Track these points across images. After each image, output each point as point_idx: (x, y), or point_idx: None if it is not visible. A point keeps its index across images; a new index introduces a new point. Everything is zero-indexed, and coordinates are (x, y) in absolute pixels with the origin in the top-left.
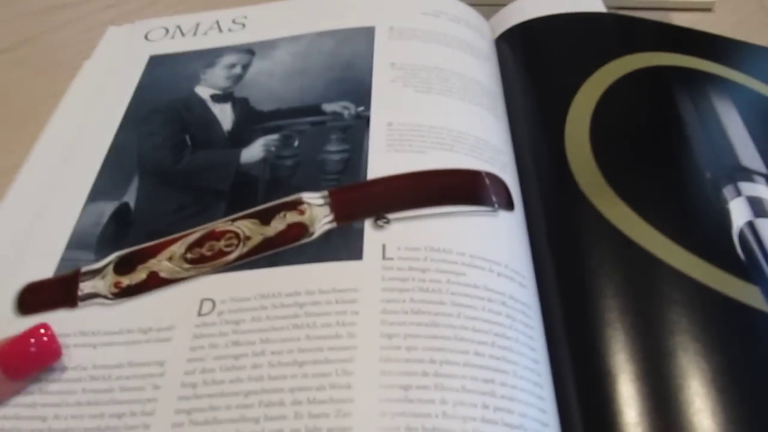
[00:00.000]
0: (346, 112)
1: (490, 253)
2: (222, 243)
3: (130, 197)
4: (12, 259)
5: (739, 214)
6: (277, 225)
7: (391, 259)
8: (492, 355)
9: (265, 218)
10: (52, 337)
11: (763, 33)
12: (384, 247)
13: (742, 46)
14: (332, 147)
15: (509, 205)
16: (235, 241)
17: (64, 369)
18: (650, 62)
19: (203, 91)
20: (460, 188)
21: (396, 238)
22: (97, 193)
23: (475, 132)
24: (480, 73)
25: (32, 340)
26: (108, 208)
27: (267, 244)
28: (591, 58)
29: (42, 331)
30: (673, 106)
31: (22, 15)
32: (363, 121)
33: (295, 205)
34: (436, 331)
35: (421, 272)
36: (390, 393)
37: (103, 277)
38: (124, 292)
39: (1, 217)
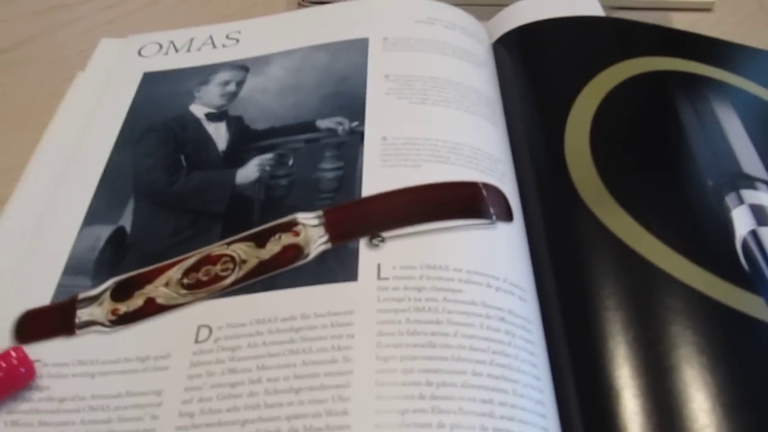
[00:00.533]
0: (340, 128)
1: (488, 267)
2: (218, 267)
3: (126, 221)
4: (8, 285)
5: (741, 222)
6: (273, 247)
7: (387, 278)
8: (490, 374)
9: (260, 241)
10: (24, 360)
11: (763, 33)
12: (379, 266)
13: (742, 49)
14: (327, 165)
15: (508, 216)
16: (230, 265)
17: (63, 399)
18: (650, 67)
19: (198, 110)
20: (456, 202)
21: (391, 256)
22: (92, 217)
23: (472, 142)
24: (477, 81)
25: (3, 365)
26: (104, 232)
27: (262, 267)
28: (590, 63)
29: (13, 354)
30: (673, 111)
31: (22, 15)
32: (357, 137)
33: (290, 227)
34: (433, 352)
35: (416, 291)
36: (386, 418)
37: (100, 304)
38: (122, 320)
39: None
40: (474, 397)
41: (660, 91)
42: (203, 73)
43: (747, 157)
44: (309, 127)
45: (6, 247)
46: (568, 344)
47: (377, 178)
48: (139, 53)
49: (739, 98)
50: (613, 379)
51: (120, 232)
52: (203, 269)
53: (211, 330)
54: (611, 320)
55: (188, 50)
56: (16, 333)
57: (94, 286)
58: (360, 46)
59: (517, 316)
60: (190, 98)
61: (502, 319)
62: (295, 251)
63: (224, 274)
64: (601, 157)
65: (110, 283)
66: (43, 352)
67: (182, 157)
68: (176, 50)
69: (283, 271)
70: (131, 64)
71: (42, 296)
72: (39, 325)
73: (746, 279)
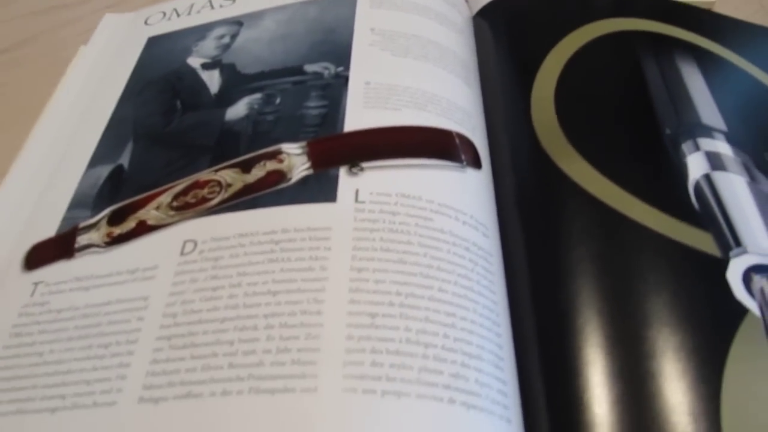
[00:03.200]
0: (326, 72)
1: (456, 203)
2: (205, 191)
3: (125, 159)
4: (24, 224)
5: (696, 167)
6: (257, 173)
7: (363, 202)
8: (455, 293)
9: (246, 167)
10: None
11: None
12: (357, 191)
13: (708, 14)
14: (312, 103)
15: (477, 164)
16: (217, 188)
17: (60, 311)
18: (617, 27)
19: (194, 61)
20: (431, 143)
21: (369, 184)
22: (96, 160)
23: (448, 95)
24: (456, 45)
25: None
26: (104, 171)
27: (247, 189)
28: (561, 26)
29: None
30: (637, 68)
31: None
32: (342, 80)
33: (275, 155)
34: (404, 268)
35: (391, 215)
36: (357, 319)
37: (97, 230)
38: (115, 240)
39: (11, 190)
40: (439, 309)
41: (625, 50)
42: (201, 31)
43: (706, 110)
44: (297, 70)
45: (19, 197)
46: (530, 278)
47: (359, 117)
48: (146, 23)
49: (703, 58)
50: (568, 306)
51: (118, 168)
52: (191, 193)
53: (196, 243)
54: (570, 256)
55: (189, 14)
56: (25, 263)
57: (93, 216)
58: (349, 2)
59: (480, 249)
60: (188, 53)
61: (466, 249)
62: (278, 176)
63: (211, 196)
64: (565, 113)
65: (107, 211)
66: (45, 274)
67: (178, 102)
68: (178, 15)
69: (266, 193)
70: (137, 31)
71: (49, 229)
72: (43, 253)
73: (695, 217)
